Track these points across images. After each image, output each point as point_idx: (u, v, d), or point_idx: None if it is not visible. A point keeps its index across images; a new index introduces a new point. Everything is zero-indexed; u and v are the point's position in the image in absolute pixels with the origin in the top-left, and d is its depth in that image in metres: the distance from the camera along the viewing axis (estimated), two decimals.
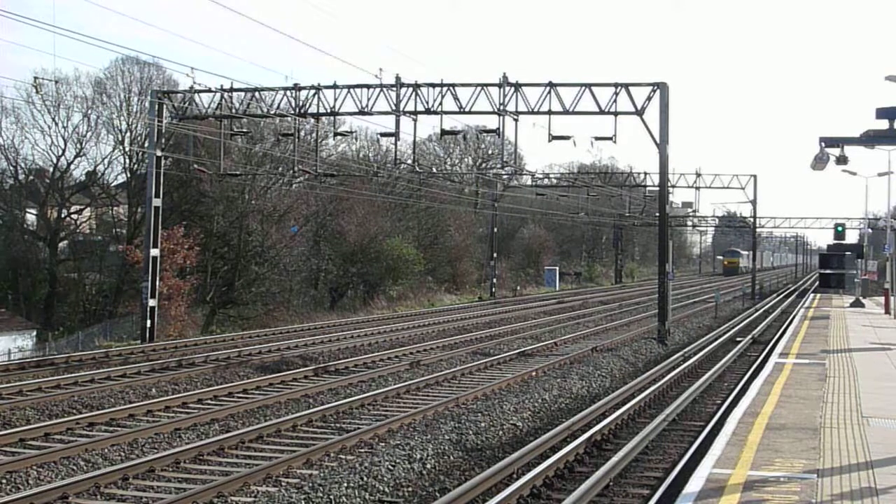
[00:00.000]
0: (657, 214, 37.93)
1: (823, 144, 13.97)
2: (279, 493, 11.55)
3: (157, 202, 32.46)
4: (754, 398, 15.12)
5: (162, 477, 12.58)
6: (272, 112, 33.32)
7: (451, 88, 30.05)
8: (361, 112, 30.61)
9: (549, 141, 30.36)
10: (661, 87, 30.35)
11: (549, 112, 29.93)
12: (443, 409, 17.47)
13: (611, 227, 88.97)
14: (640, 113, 30.18)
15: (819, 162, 14.27)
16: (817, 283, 52.25)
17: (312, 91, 30.94)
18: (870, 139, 13.29)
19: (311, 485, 11.82)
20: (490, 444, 15.10)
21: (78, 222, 54.53)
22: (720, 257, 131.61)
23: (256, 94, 32.40)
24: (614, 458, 12.91)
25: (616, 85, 30.03)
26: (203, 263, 47.92)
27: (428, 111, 30.16)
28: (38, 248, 52.50)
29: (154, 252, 32.48)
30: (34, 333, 46.14)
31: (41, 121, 50.70)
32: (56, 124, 50.88)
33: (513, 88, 29.84)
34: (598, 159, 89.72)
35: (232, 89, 31.63)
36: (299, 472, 12.80)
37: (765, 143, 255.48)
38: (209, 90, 31.74)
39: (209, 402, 18.34)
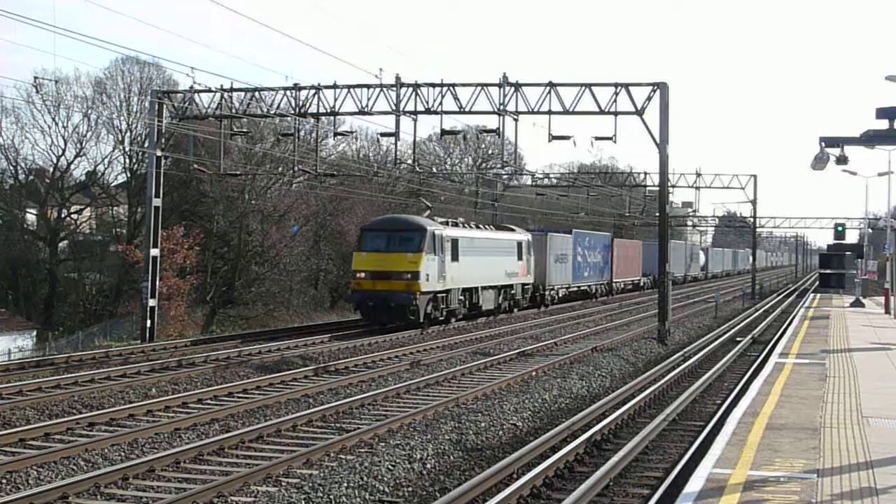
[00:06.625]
0: (657, 214, 37.92)
1: (823, 144, 13.98)
2: (279, 493, 11.55)
3: (157, 202, 32.46)
4: (754, 398, 15.13)
5: (162, 477, 12.57)
6: (272, 112, 33.33)
7: (451, 88, 30.04)
8: (361, 112, 30.61)
9: (549, 141, 30.38)
10: (661, 87, 30.33)
11: (549, 112, 29.93)
12: (443, 409, 17.46)
13: (611, 227, 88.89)
14: (640, 113, 30.17)
15: (819, 162, 14.28)
16: (817, 283, 52.29)
17: (312, 91, 30.94)
18: (870, 139, 13.29)
19: (311, 485, 11.82)
20: (490, 444, 15.09)
21: (78, 222, 54.61)
22: None
23: (256, 94, 32.42)
24: (614, 458, 12.90)
25: (616, 85, 30.01)
26: (203, 263, 48.00)
27: (428, 111, 30.16)
28: (38, 248, 52.59)
29: (154, 252, 32.48)
30: (34, 333, 46.19)
31: (41, 121, 50.92)
32: (56, 124, 51.09)
33: (513, 88, 29.83)
34: (598, 159, 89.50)
35: (232, 89, 31.64)
36: (299, 472, 12.80)
37: (765, 143, 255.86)
38: (209, 90, 31.75)
39: (209, 402, 18.32)
